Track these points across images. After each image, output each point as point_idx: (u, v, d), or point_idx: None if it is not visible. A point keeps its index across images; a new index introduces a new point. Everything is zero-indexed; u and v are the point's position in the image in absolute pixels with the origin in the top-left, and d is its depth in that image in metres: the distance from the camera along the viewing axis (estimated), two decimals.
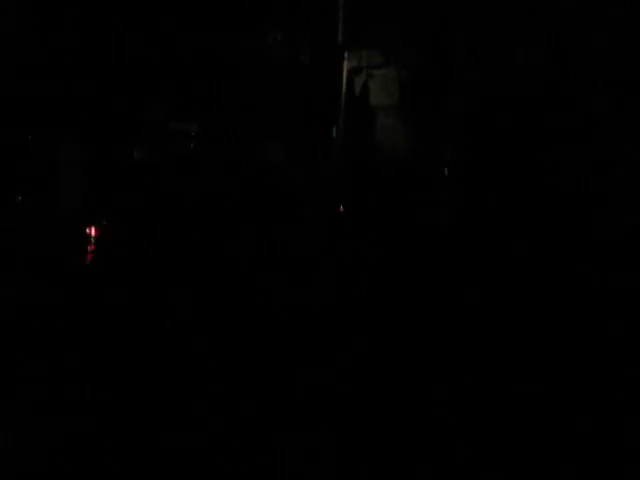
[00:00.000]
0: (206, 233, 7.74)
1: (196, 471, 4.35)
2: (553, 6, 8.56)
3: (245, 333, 6.05)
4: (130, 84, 8.18)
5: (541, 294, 6.67)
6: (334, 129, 9.03)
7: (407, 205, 8.64)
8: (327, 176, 9.11)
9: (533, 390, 5.21)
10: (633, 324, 5.88)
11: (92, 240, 7.35)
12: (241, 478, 4.31)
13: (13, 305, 6.00)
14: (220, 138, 9.05)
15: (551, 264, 7.11)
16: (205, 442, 4.53)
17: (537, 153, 8.78)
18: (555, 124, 8.61)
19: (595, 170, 7.91)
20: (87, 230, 7.34)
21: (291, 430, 4.75)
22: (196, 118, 8.76)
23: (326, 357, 5.72)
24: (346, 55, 8.86)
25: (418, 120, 9.31)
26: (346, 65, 8.83)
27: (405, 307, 6.84)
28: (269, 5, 8.94)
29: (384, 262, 7.80)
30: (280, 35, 8.95)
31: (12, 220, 6.92)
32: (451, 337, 6.18)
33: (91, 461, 4.30)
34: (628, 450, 4.48)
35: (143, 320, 6.31)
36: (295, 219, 8.90)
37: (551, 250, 7.35)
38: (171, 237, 7.61)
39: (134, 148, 8.09)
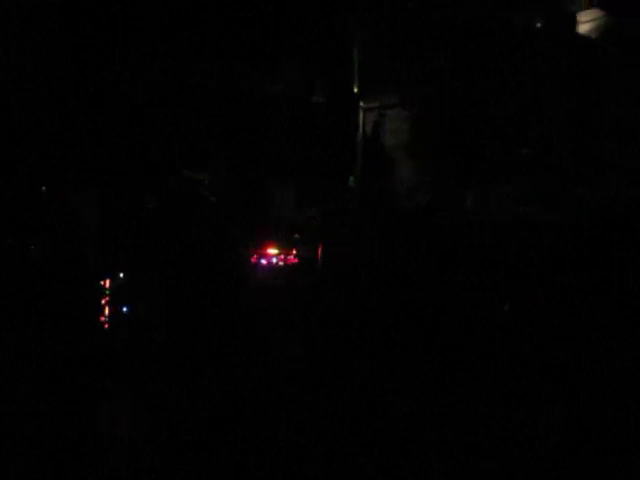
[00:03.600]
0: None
1: None
2: None
3: None
4: (147, 135, 8.03)
5: None
6: (351, 178, 8.86)
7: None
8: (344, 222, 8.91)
9: None
10: None
11: (107, 292, 7.04)
12: None
13: None
14: (231, 185, 8.87)
15: None
16: None
17: None
18: None
19: None
20: (102, 283, 7.04)
21: None
22: (208, 166, 8.59)
23: None
24: (360, 103, 8.79)
25: (431, 160, 9.20)
26: (361, 108, 8.74)
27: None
28: (284, 51, 8.87)
29: None
30: (296, 78, 8.84)
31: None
32: None
33: None
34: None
35: None
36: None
37: None
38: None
39: (149, 196, 7.86)
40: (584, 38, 10.29)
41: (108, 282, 7.09)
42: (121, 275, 7.16)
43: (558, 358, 5.80)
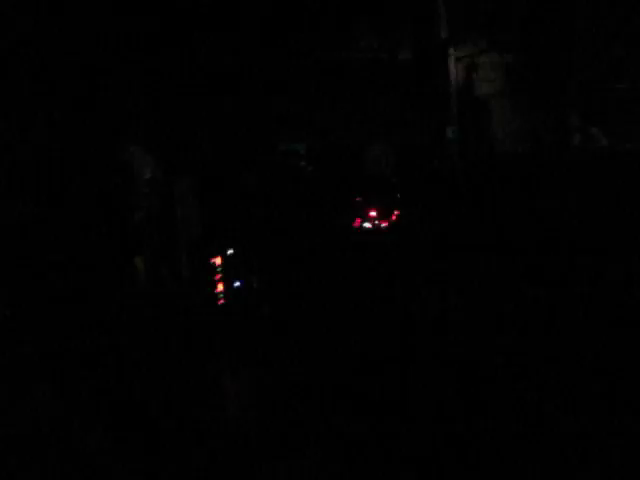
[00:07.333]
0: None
1: None
2: None
3: None
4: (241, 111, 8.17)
5: None
6: (449, 130, 8.62)
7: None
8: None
9: None
10: None
11: (218, 270, 7.22)
12: None
13: None
14: (327, 153, 8.87)
15: None
16: None
17: None
18: None
19: None
20: (212, 260, 7.22)
21: None
22: (303, 137, 8.63)
23: None
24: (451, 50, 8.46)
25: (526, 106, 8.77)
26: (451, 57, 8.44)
27: None
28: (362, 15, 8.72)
29: None
30: (376, 40, 8.69)
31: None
32: None
33: None
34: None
35: None
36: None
37: None
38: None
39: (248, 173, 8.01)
40: None
41: (219, 259, 7.29)
42: (230, 251, 7.34)
43: None
